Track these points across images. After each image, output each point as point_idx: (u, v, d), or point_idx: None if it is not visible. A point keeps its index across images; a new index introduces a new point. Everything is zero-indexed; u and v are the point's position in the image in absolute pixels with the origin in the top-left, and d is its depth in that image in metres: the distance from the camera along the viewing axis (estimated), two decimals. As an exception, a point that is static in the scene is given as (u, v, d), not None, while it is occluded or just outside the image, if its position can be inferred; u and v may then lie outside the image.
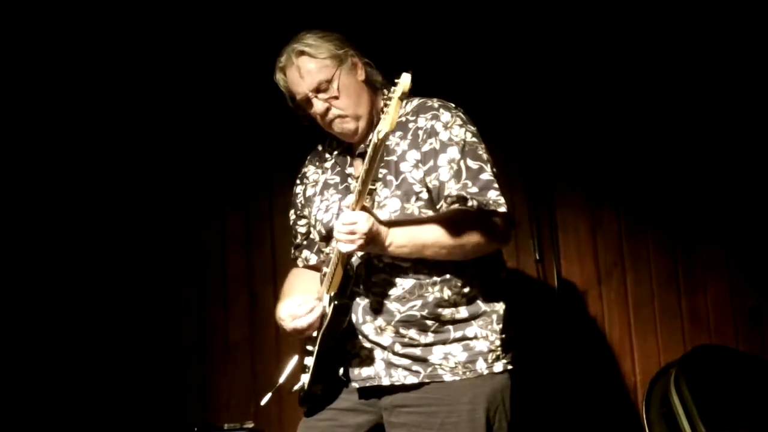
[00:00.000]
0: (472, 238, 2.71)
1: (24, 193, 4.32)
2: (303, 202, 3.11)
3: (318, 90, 2.87)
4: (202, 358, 4.31)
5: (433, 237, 2.68)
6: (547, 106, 4.13)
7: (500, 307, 2.87)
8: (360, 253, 2.79)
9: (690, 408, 3.52)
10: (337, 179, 3.01)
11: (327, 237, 2.96)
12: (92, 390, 4.24)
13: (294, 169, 4.30)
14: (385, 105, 2.52)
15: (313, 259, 3.13)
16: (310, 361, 2.87)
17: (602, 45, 4.14)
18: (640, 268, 4.09)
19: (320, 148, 3.14)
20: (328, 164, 3.08)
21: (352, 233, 2.57)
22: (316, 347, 2.83)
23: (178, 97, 4.40)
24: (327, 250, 2.98)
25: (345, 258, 2.75)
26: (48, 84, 4.36)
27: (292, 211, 3.17)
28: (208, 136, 4.42)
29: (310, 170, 3.14)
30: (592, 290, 4.10)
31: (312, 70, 2.86)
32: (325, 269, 2.91)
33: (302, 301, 2.85)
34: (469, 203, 2.75)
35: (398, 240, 2.67)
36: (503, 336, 2.85)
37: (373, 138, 2.54)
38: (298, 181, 3.18)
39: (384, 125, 2.50)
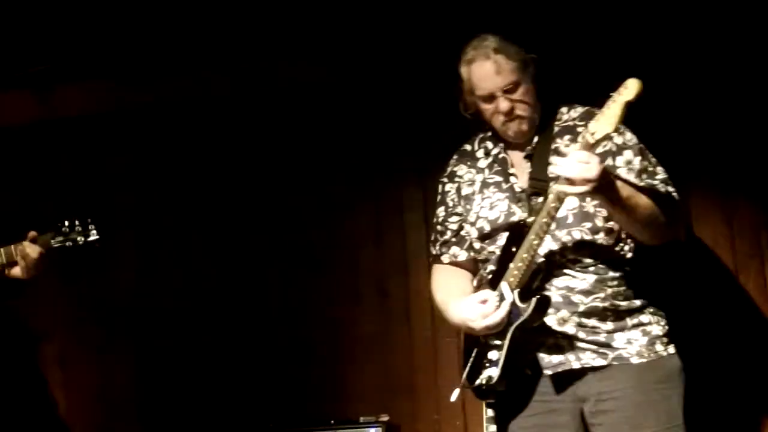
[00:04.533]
0: (665, 218, 2.90)
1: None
2: (456, 200, 3.19)
3: (507, 90, 2.99)
4: (335, 352, 4.38)
5: (644, 202, 2.86)
6: (682, 94, 4.01)
7: (662, 295, 3.05)
8: (543, 248, 2.90)
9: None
10: (499, 179, 3.10)
11: (489, 235, 3.05)
12: (229, 384, 4.38)
13: (423, 164, 4.37)
14: (606, 106, 2.70)
15: (463, 256, 3.19)
16: (494, 354, 2.92)
17: (733, 34, 3.99)
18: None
19: (468, 148, 3.23)
20: (482, 164, 3.17)
21: (587, 180, 2.68)
22: (507, 341, 2.89)
23: (310, 91, 4.46)
24: (492, 248, 3.05)
25: (534, 252, 2.86)
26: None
27: (442, 209, 3.23)
28: (339, 132, 4.47)
29: (462, 169, 3.22)
30: (728, 281, 3.97)
31: (507, 69, 2.98)
32: (490, 267, 3.03)
33: (484, 297, 2.94)
34: (662, 190, 2.93)
35: (624, 192, 2.82)
36: (667, 321, 3.03)
37: (586, 137, 2.71)
38: (446, 179, 3.24)
39: (603, 126, 2.68)
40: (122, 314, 4.50)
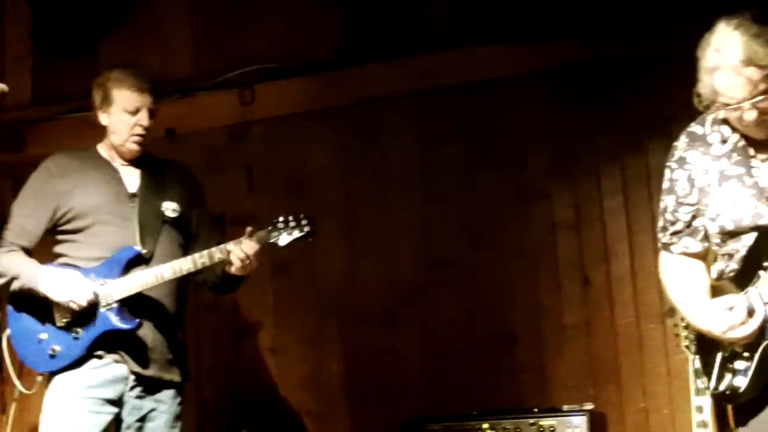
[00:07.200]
0: None
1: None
2: (687, 189, 2.97)
3: (756, 100, 2.71)
4: (538, 341, 4.40)
5: None
6: None
7: None
8: None
9: None
10: (739, 171, 2.87)
11: (732, 233, 2.87)
12: (433, 371, 4.48)
13: (621, 149, 4.32)
14: None
15: (696, 248, 2.99)
16: (742, 365, 2.80)
17: None
18: None
19: (699, 131, 2.96)
20: (717, 151, 2.92)
21: None
22: (758, 355, 2.76)
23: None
24: (736, 245, 2.86)
25: None
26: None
27: (672, 198, 3.00)
28: (533, 120, 4.50)
29: (693, 156, 2.95)
30: None
31: (757, 79, 2.69)
32: (732, 265, 2.86)
33: (731, 305, 2.78)
34: None
35: None
36: None
37: None
38: (675, 165, 2.99)
39: None
40: (331, 304, 4.67)
